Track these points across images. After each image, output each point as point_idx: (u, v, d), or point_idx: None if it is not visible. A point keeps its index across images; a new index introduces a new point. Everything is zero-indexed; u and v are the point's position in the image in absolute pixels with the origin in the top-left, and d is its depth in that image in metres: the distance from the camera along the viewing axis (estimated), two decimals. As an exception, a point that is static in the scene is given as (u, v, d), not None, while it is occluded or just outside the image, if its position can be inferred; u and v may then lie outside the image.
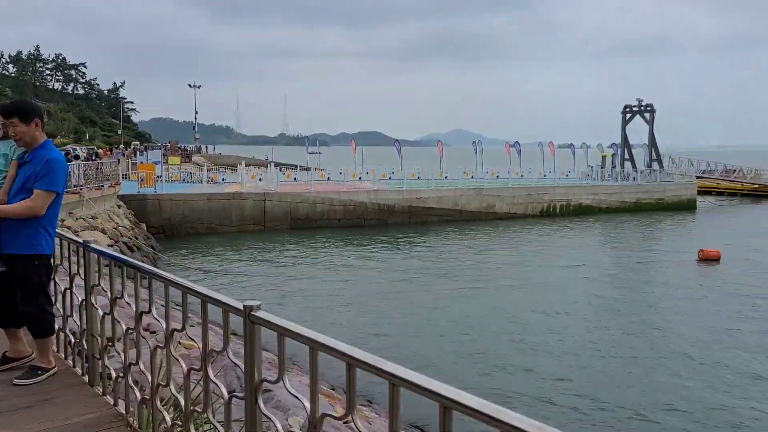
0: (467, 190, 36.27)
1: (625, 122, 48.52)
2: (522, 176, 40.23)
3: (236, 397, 2.68)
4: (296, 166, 45.26)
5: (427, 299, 17.65)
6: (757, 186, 54.97)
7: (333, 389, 9.75)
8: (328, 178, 36.20)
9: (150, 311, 3.52)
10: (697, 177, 49.08)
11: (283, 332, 2.24)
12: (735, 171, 54.88)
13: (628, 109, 48.51)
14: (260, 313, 2.40)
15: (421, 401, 1.75)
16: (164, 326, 3.24)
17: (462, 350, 13.33)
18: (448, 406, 1.61)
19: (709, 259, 23.66)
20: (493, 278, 20.50)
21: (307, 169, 42.51)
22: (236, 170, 41.01)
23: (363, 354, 1.89)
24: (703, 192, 50.57)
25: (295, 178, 37.28)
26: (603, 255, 25.88)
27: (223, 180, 36.99)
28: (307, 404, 2.16)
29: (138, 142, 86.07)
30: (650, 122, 47.48)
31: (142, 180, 29.85)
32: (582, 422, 9.86)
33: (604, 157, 47.30)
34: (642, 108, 47.79)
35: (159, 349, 3.40)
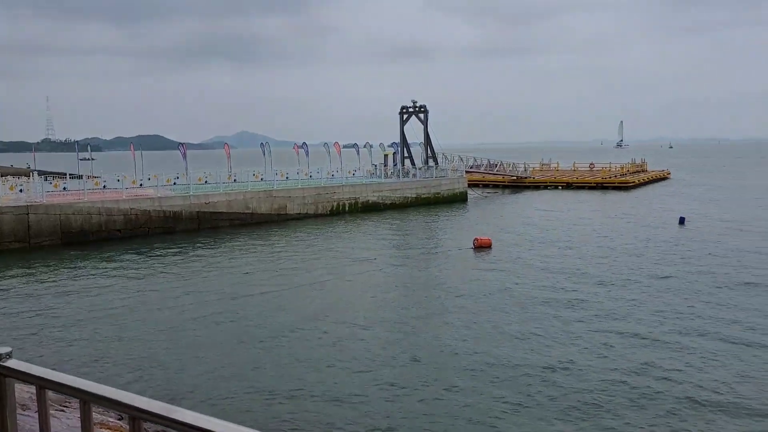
0: (257, 192, 35.78)
1: (402, 122, 51.55)
2: (311, 176, 40.74)
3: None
4: (65, 175, 40.79)
5: (219, 309, 17.02)
6: (515, 178, 62.21)
7: None
8: (105, 186, 33.19)
9: None
10: (467, 171, 53.91)
11: (43, 384, 1.88)
12: (497, 165, 61.40)
13: (404, 110, 51.61)
14: (12, 363, 1.98)
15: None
16: None
17: (264, 357, 13.09)
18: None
19: (483, 246, 26.16)
20: (289, 279, 20.44)
21: (79, 177, 38.53)
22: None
23: (150, 403, 1.65)
24: (473, 185, 55.87)
25: (64, 188, 33.59)
26: (392, 249, 27.23)
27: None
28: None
29: None
30: (424, 122, 51.05)
31: None
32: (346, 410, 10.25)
33: (386, 156, 49.83)
34: (417, 109, 51.16)
35: None
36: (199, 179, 35.22)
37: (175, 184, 35.22)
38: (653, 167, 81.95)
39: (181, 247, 27.15)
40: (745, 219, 33.99)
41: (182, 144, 36.15)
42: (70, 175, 39.23)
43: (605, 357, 12.79)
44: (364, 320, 15.74)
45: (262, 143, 43.43)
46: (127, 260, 24.39)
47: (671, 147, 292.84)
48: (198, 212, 33.02)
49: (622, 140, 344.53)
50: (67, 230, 28.61)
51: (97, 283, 20.34)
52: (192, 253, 25.76)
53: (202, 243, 28.34)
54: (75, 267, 23.20)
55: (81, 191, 31.51)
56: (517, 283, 19.53)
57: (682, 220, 32.57)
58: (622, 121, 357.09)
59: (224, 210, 34.08)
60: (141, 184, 34.54)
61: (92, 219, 29.54)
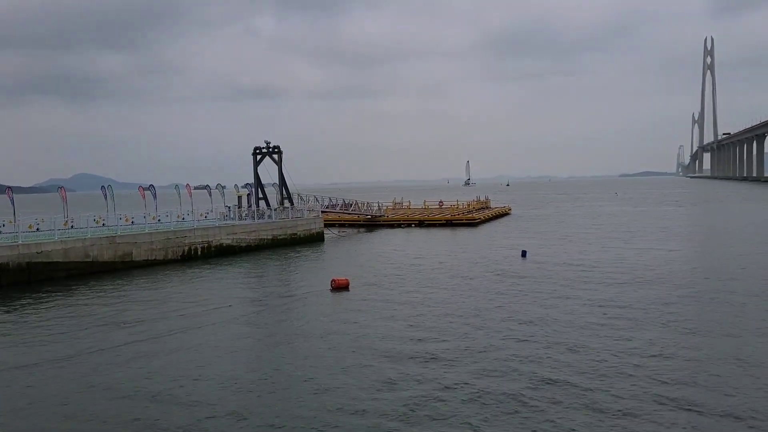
0: (99, 239, 33.24)
1: (256, 163, 50.92)
2: (159, 220, 38.67)
3: None
4: None
5: (52, 374, 15.38)
6: (370, 216, 63.57)
7: None
8: None
9: None
10: (323, 211, 54.23)
11: None
12: (352, 205, 62.44)
13: (258, 151, 51.06)
14: None
15: None
16: None
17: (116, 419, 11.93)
18: None
19: (340, 287, 26.18)
20: (135, 335, 19.00)
21: None
22: None
23: None
24: (329, 224, 56.20)
25: None
26: (248, 294, 26.37)
27: None
28: None
29: None
30: (278, 162, 50.82)
31: None
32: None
33: (239, 197, 48.74)
34: (270, 149, 50.84)
35: None
36: (30, 226, 31.99)
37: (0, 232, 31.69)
38: (495, 204, 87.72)
39: (6, 305, 24.34)
40: (573, 252, 37.25)
41: (9, 187, 32.71)
42: None
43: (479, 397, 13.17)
44: (219, 379, 14.98)
45: (103, 186, 40.62)
46: (-59, 321, 21.38)
47: (508, 185, 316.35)
48: (28, 263, 29.95)
49: (469, 179, 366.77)
50: None
51: None
52: (19, 311, 23.16)
53: (32, 298, 25.62)
54: None
55: None
56: (374, 324, 19.69)
57: (524, 254, 34.98)
58: (468, 161, 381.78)
59: (60, 259, 31.22)
60: (-42, 234, 30.68)
61: None
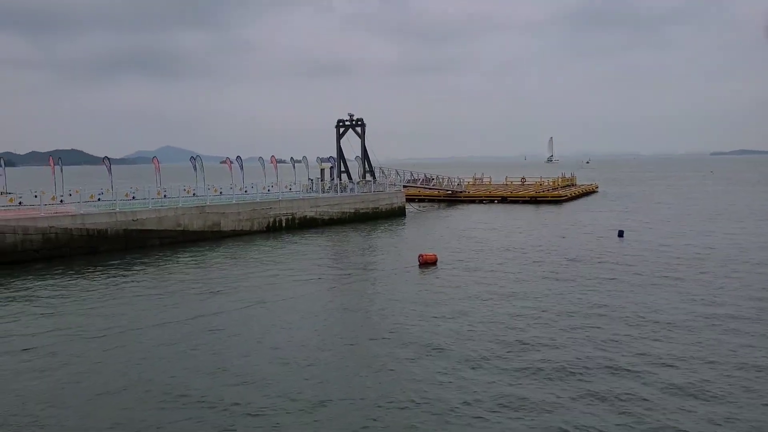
0: (189, 208, 33.91)
1: (339, 136, 50.68)
2: (246, 192, 39.11)
3: None
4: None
5: (150, 338, 15.52)
6: (450, 192, 62.38)
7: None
8: (20, 203, 30.47)
9: None
10: (404, 186, 53.55)
11: None
12: (433, 180, 61.43)
13: (341, 123, 50.77)
14: None
15: None
16: None
17: (205, 390, 11.79)
18: None
19: (428, 263, 25.50)
20: (227, 303, 19.05)
21: (-6, 193, 35.41)
22: None
23: None
24: (409, 199, 55.49)
25: (-28, 205, 30.68)
26: (336, 267, 26.11)
27: None
28: None
29: None
30: (362, 135, 50.37)
31: None
32: None
33: (322, 170, 48.69)
34: (354, 122, 50.42)
35: None
36: (126, 195, 32.99)
37: (99, 200, 32.83)
38: (581, 181, 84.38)
39: (106, 269, 25.12)
40: (670, 230, 34.96)
41: (107, 157, 33.80)
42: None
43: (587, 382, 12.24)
44: (319, 343, 14.65)
45: (192, 157, 41.45)
46: (45, 284, 22.22)
47: (588, 162, 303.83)
48: (125, 230, 30.90)
49: (552, 155, 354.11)
50: (-23, 252, 26.04)
51: (8, 311, 18.28)
52: (119, 276, 23.82)
53: (129, 264, 26.36)
54: (-14, 293, 20.92)
55: (-8, 209, 28.88)
56: (467, 300, 18.90)
57: (620, 233, 33.10)
58: (552, 138, 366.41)
59: (154, 227, 32.06)
60: (61, 200, 31.98)
61: (6, 239, 27.02)
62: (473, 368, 12.91)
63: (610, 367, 12.85)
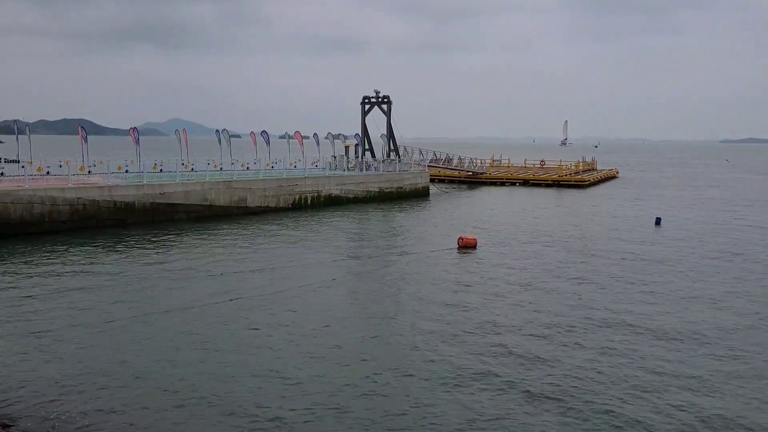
0: (216, 183, 33.19)
1: (364, 113, 49.66)
2: (273, 167, 38.33)
3: None
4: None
5: (179, 318, 14.92)
6: (471, 173, 61.48)
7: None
8: (48, 172, 29.80)
9: None
10: (427, 166, 52.69)
11: None
12: (453, 160, 60.53)
13: (366, 100, 49.70)
14: None
15: None
16: None
17: (235, 372, 11.19)
18: None
19: (467, 246, 24.79)
20: (258, 286, 18.42)
21: (16, 161, 34.72)
22: None
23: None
24: (431, 180, 54.66)
25: (1, 173, 30.00)
26: (371, 248, 25.32)
27: None
28: None
29: None
30: (387, 113, 49.35)
31: None
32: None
33: (347, 148, 47.84)
34: (380, 99, 49.36)
35: None
36: (154, 167, 32.26)
37: (126, 171, 32.12)
38: (601, 166, 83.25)
39: (133, 242, 24.51)
40: (708, 218, 34.12)
41: (134, 128, 32.98)
42: (5, 159, 35.25)
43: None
44: (375, 327, 14.02)
45: (217, 130, 40.64)
46: (74, 256, 21.63)
47: (596, 146, 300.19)
48: (152, 203, 30.25)
49: (566, 138, 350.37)
50: (4, 221, 25.45)
51: (38, 282, 17.71)
52: (147, 249, 23.19)
53: (157, 238, 25.72)
54: (11, 263, 20.34)
55: (21, 177, 28.20)
56: (517, 286, 18.24)
57: (658, 221, 32.28)
58: (566, 121, 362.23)
59: (181, 201, 31.40)
60: (89, 171, 31.27)
61: (34, 209, 26.44)
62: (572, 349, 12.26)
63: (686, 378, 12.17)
